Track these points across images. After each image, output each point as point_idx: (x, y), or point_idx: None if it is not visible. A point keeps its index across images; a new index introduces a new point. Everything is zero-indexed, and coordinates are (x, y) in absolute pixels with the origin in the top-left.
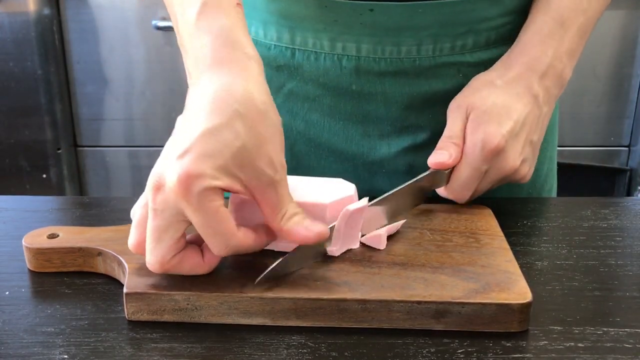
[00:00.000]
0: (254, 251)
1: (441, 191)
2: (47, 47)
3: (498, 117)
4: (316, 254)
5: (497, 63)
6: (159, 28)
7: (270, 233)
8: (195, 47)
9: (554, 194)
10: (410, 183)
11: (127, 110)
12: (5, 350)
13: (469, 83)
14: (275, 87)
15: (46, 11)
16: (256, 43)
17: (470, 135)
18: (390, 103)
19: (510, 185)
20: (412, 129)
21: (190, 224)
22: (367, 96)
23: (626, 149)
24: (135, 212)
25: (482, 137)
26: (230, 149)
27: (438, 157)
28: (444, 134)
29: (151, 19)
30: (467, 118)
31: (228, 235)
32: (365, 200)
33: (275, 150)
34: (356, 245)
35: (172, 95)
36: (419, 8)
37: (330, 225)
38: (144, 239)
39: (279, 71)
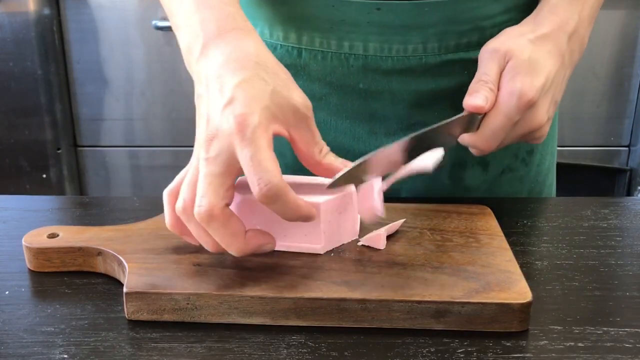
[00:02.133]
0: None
1: (467, 138)
2: (47, 47)
3: (533, 70)
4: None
5: (526, 19)
6: (159, 28)
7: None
8: (194, 24)
9: (554, 188)
10: (447, 122)
11: (127, 110)
12: (5, 350)
13: (501, 32)
14: None
15: (46, 11)
16: None
17: (507, 83)
18: (397, 101)
19: (513, 178)
20: (419, 126)
21: (240, 173)
22: (374, 94)
23: (626, 149)
24: (171, 193)
25: (520, 87)
26: (266, 92)
27: (475, 100)
28: (477, 76)
29: (151, 19)
30: (504, 63)
31: (272, 173)
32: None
33: (299, 89)
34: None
35: (172, 95)
36: (425, 6)
37: (359, 161)
38: (179, 218)
39: None
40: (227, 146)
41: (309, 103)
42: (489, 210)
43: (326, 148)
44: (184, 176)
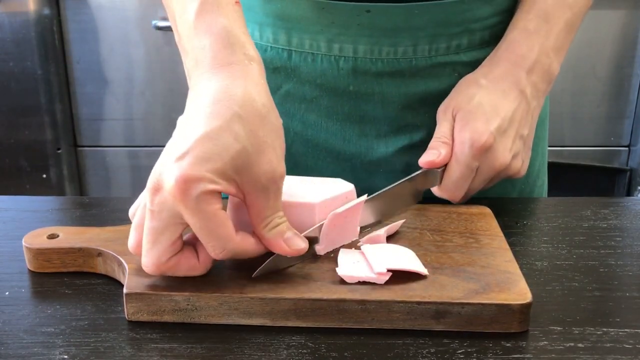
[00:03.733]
0: (253, 256)
1: (435, 191)
2: (47, 47)
3: (484, 115)
4: (305, 255)
5: (484, 62)
6: (159, 28)
7: None
8: (195, 48)
9: (545, 189)
10: (403, 181)
11: (127, 110)
12: (5, 351)
13: (456, 85)
14: (272, 89)
15: (46, 11)
16: None
17: (458, 134)
18: (387, 103)
19: (503, 181)
20: (409, 128)
21: (187, 226)
22: (365, 97)
23: (626, 149)
24: (135, 213)
25: (470, 135)
26: (229, 152)
27: (428, 157)
28: (434, 136)
29: (151, 19)
30: (453, 119)
31: (226, 239)
32: (355, 201)
33: (277, 156)
34: (350, 240)
35: (172, 95)
36: (415, 9)
37: (319, 224)
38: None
39: (276, 73)
40: (171, 206)
41: (277, 173)
42: (488, 210)
43: (276, 221)
44: (144, 203)
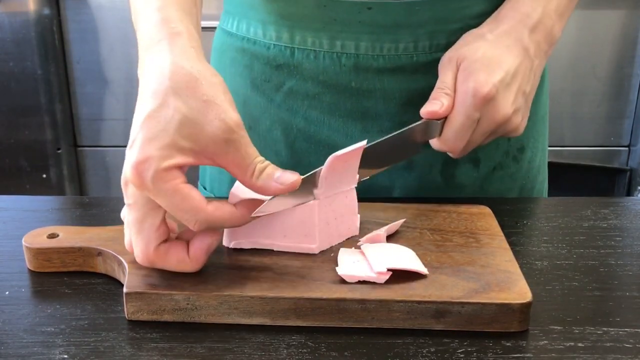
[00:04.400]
0: (236, 225)
1: (435, 143)
2: (47, 47)
3: (488, 66)
4: (303, 196)
5: (488, 19)
6: None
7: (252, 206)
8: (138, 37)
9: (545, 186)
10: (403, 131)
11: (127, 110)
12: (5, 350)
13: (460, 38)
14: (275, 86)
15: (46, 11)
16: (255, 42)
17: (461, 84)
18: (389, 99)
19: (504, 176)
20: (411, 124)
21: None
22: (366, 93)
23: (626, 149)
24: (124, 212)
25: (473, 85)
26: (173, 125)
27: (430, 107)
28: (436, 86)
29: None
30: (457, 69)
31: (194, 211)
32: (355, 145)
33: (224, 109)
34: (349, 187)
35: None
36: (415, 5)
37: (319, 168)
38: None
39: (279, 70)
40: (139, 193)
41: (231, 122)
42: (489, 210)
43: (260, 166)
44: None
